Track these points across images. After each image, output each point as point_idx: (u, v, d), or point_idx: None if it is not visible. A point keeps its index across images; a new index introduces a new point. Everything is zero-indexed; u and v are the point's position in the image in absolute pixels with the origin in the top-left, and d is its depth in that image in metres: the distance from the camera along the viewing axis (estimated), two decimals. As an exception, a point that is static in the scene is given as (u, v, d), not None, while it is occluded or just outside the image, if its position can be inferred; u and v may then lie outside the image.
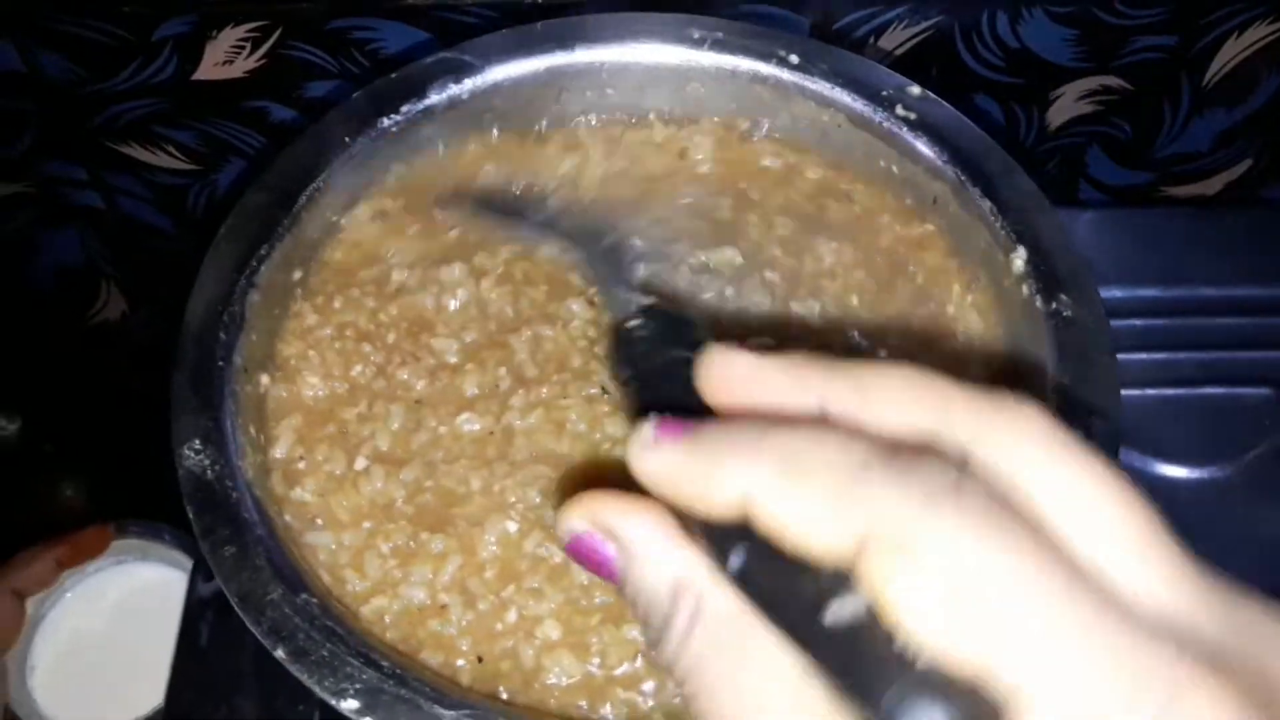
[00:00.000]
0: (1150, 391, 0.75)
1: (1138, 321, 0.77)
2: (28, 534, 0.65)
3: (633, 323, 0.35)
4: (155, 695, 0.57)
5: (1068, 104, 0.84)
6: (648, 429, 0.27)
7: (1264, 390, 0.74)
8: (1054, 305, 0.48)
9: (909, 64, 0.77)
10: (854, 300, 0.52)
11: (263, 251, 0.50)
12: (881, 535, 0.22)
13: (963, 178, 0.52)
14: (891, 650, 0.21)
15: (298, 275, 0.52)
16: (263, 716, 0.61)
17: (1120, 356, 0.76)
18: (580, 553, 0.29)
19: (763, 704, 0.24)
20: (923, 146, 0.54)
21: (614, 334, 0.36)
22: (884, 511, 0.22)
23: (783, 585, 0.23)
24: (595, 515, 0.28)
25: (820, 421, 0.26)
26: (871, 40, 0.75)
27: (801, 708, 0.23)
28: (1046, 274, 0.49)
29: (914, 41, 0.75)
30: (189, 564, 0.60)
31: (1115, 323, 0.76)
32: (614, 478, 0.31)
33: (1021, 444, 0.23)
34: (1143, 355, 0.76)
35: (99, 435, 0.83)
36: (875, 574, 0.22)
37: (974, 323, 0.52)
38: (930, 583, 0.21)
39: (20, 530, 0.68)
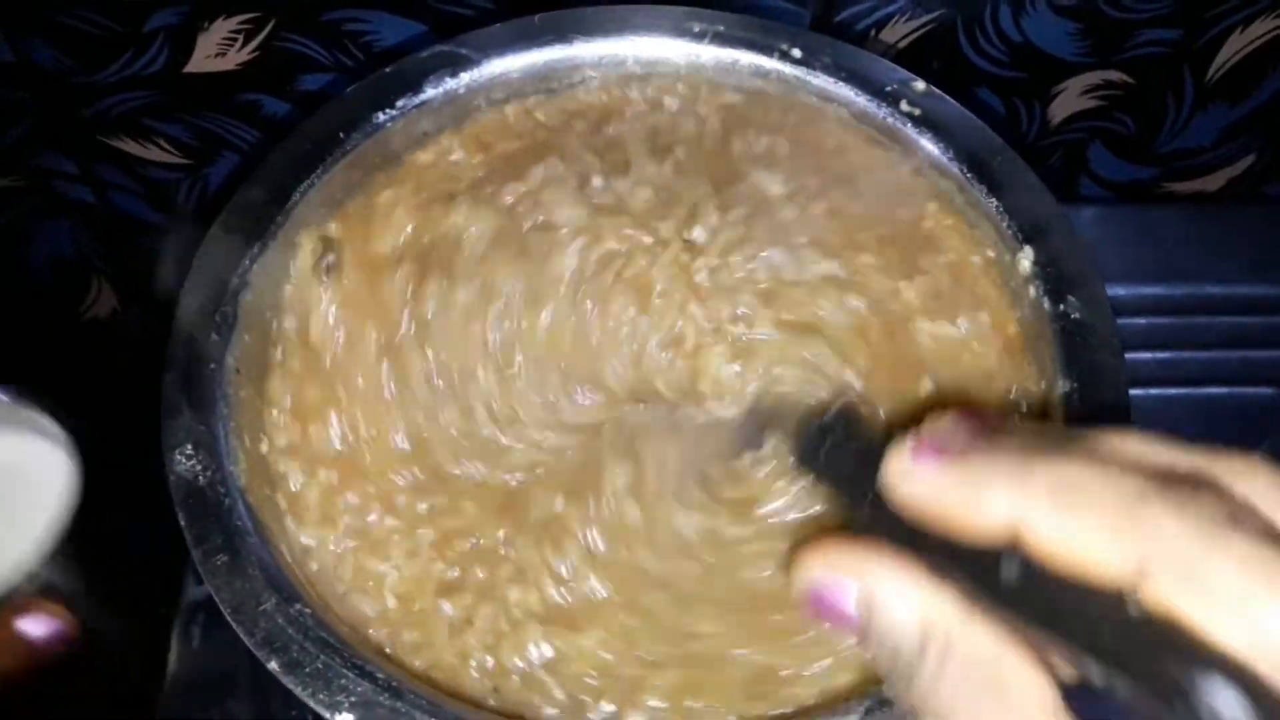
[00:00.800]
0: (1153, 391, 0.74)
1: (1139, 319, 0.76)
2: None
3: (825, 418, 0.37)
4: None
5: (1070, 98, 0.83)
6: (905, 454, 0.28)
7: (1267, 390, 0.74)
8: (1061, 307, 0.47)
9: (911, 57, 0.76)
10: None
11: (255, 250, 0.49)
12: (1167, 562, 0.23)
13: (969, 176, 0.51)
14: (1181, 668, 0.22)
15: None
16: (256, 716, 0.61)
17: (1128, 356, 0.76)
18: (821, 603, 0.30)
19: None
20: (928, 143, 0.53)
21: (802, 429, 0.39)
22: (1167, 539, 0.23)
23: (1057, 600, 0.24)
24: (834, 561, 0.29)
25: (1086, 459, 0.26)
26: (873, 33, 0.74)
27: None
28: (1054, 275, 0.48)
29: (916, 34, 0.75)
30: (58, 433, 0.57)
31: (1117, 321, 0.76)
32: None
33: (1268, 485, 0.25)
34: (1145, 354, 0.76)
35: (91, 431, 0.82)
36: (1166, 598, 0.23)
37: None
38: (1228, 610, 0.22)
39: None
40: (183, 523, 0.42)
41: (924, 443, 0.28)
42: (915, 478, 0.28)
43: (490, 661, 0.42)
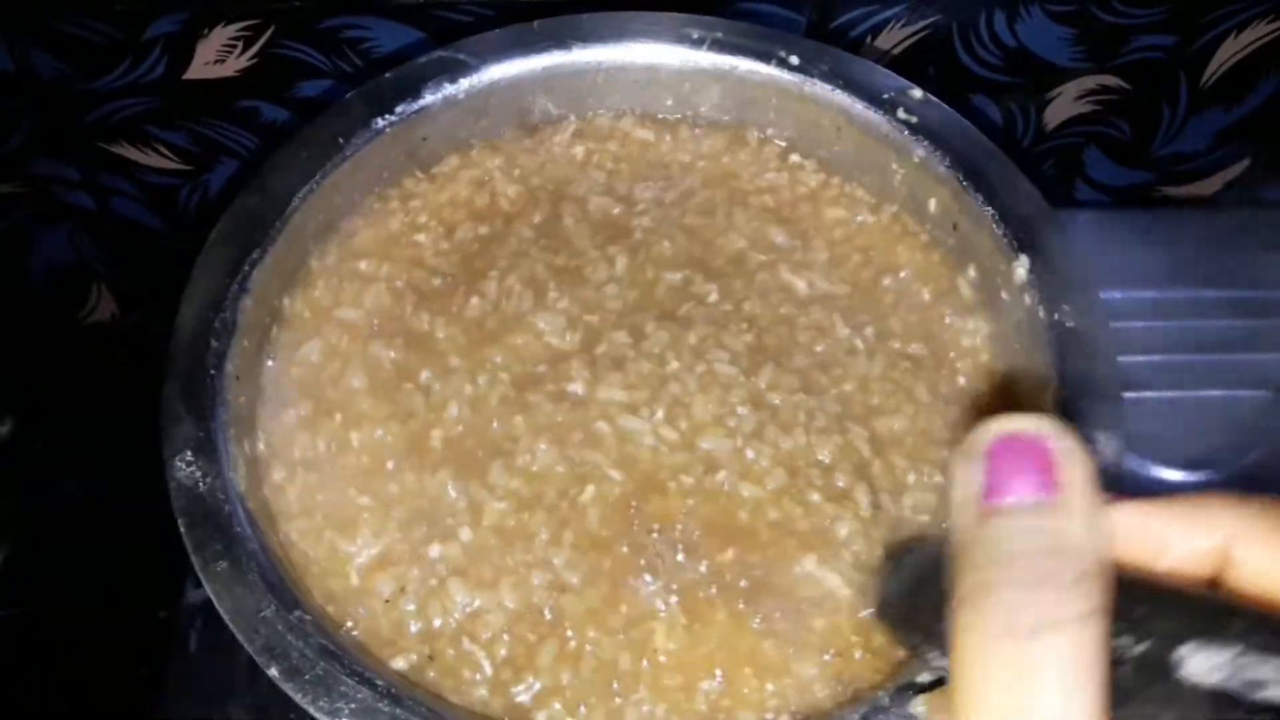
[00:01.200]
0: (1149, 394, 0.75)
1: (1136, 324, 0.77)
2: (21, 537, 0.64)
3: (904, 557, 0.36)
4: None
5: (1066, 104, 0.83)
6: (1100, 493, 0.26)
7: (1263, 393, 0.74)
8: (1056, 315, 0.47)
9: (906, 63, 0.76)
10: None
11: (254, 256, 0.49)
12: None
13: (964, 183, 0.52)
14: None
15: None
16: (255, 716, 0.61)
17: (1118, 360, 0.76)
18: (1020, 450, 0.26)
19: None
20: (923, 151, 0.53)
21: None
22: None
23: None
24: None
25: None
26: (869, 40, 0.74)
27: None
28: (1049, 283, 0.48)
29: (911, 41, 0.75)
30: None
31: (1113, 325, 0.76)
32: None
33: None
34: (1140, 358, 0.76)
35: (91, 436, 0.82)
36: None
37: (974, 330, 0.52)
38: None
39: (13, 533, 0.67)
40: (183, 529, 0.42)
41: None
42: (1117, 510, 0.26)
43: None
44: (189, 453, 0.44)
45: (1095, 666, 0.23)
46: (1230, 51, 0.81)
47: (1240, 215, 0.86)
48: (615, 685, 0.42)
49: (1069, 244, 0.50)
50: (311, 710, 0.38)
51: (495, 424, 0.48)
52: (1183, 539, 0.26)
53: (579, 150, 0.58)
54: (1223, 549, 0.25)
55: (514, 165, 0.57)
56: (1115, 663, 0.24)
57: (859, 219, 0.56)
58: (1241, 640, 0.23)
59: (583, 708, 0.42)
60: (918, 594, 0.33)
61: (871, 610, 0.41)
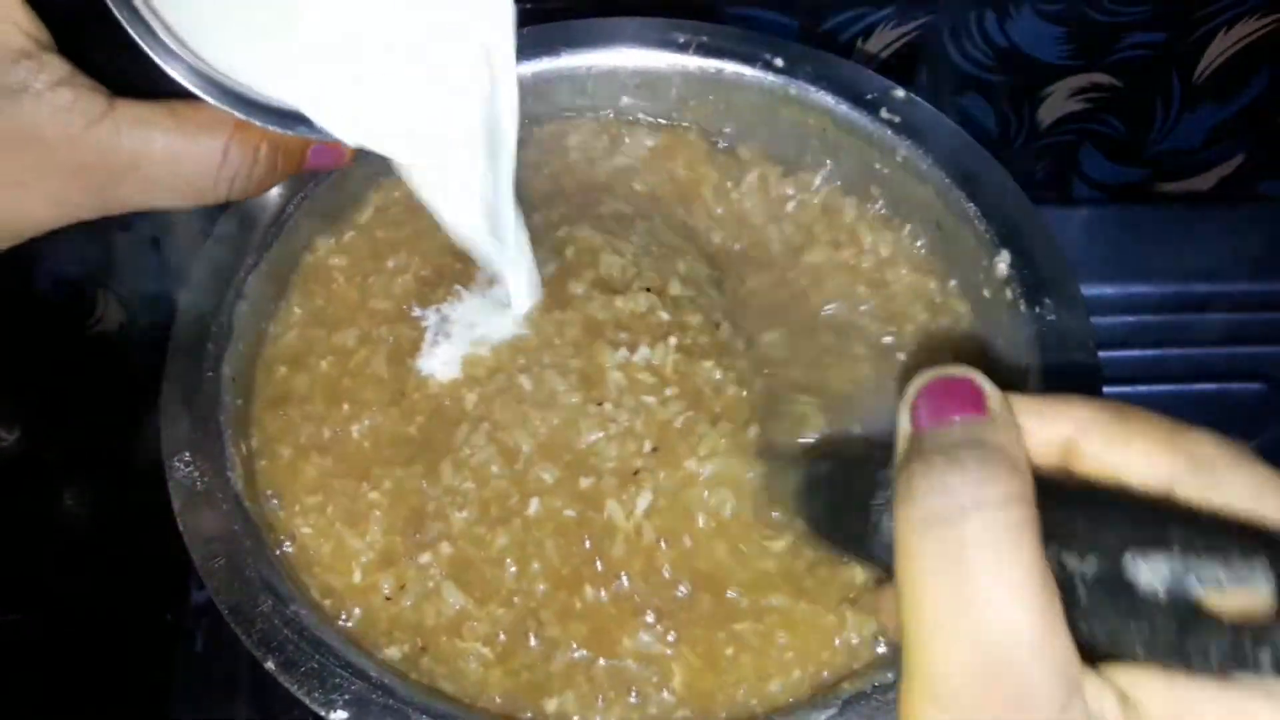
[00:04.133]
0: (1143, 388, 0.75)
1: (1130, 318, 0.77)
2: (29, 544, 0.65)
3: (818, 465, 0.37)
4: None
5: (1058, 101, 0.84)
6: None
7: (1256, 385, 0.75)
8: (1038, 309, 0.48)
9: (898, 65, 0.77)
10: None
11: (251, 261, 0.51)
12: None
13: (947, 181, 0.52)
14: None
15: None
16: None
17: (1113, 353, 0.76)
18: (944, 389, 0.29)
19: (1029, 604, 0.24)
20: (906, 150, 0.54)
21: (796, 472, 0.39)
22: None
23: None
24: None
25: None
26: (860, 42, 0.75)
27: (1057, 631, 0.25)
28: (1030, 277, 0.49)
29: (902, 42, 0.76)
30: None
31: (1108, 320, 0.76)
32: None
33: None
34: (1135, 352, 0.76)
35: (99, 443, 0.83)
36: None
37: (955, 324, 0.52)
38: None
39: (20, 540, 0.68)
40: (181, 527, 0.43)
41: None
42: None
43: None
44: (187, 453, 0.45)
45: (1026, 549, 0.25)
46: (1221, 47, 0.81)
47: (1234, 210, 0.86)
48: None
49: (1051, 239, 0.50)
50: (307, 701, 0.39)
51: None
52: (1038, 428, 0.28)
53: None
54: (1071, 440, 0.28)
55: None
56: (1070, 583, 0.25)
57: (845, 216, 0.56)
58: (1179, 544, 0.24)
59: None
60: (837, 502, 0.35)
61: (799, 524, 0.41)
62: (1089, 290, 0.75)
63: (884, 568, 0.29)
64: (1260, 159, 0.91)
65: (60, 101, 0.36)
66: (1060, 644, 0.24)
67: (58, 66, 0.36)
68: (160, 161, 0.38)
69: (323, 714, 0.39)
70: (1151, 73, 0.82)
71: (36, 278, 0.84)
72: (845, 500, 0.34)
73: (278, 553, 0.45)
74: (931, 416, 0.28)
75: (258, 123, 0.38)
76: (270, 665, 0.40)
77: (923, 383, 0.29)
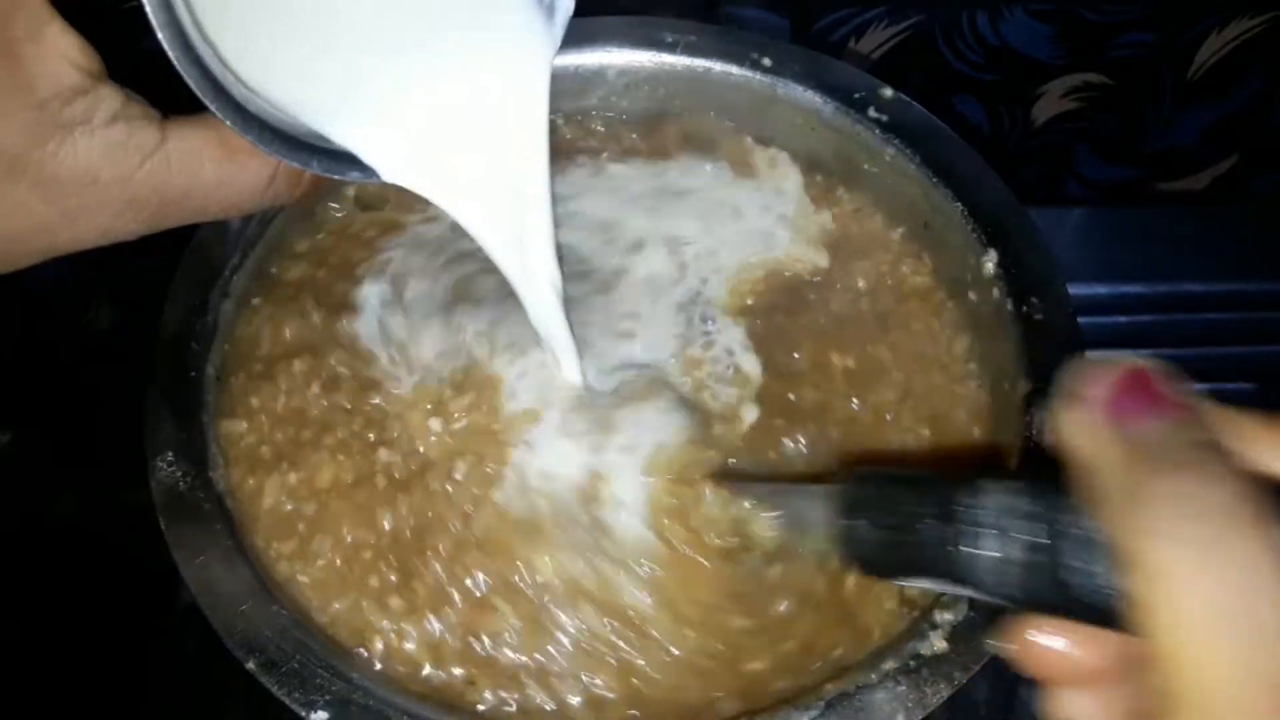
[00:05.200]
0: (1135, 388, 0.75)
1: (1122, 318, 0.77)
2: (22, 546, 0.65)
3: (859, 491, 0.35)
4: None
5: (1052, 101, 0.84)
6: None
7: (1248, 385, 0.74)
8: (1024, 309, 0.48)
9: (890, 65, 0.77)
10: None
11: (236, 261, 0.50)
12: None
13: (934, 180, 0.52)
14: None
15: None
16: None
17: (1105, 354, 0.76)
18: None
19: None
20: (894, 150, 0.54)
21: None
22: None
23: None
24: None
25: None
26: (852, 42, 0.75)
27: None
28: (1016, 277, 0.49)
29: (894, 41, 0.75)
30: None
31: (1100, 320, 0.76)
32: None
33: None
34: (1128, 352, 0.76)
35: (91, 444, 0.83)
36: None
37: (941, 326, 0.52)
38: None
39: (14, 541, 0.68)
40: (164, 527, 0.43)
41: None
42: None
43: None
44: (170, 453, 0.45)
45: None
46: (1214, 47, 0.81)
47: (1226, 209, 0.86)
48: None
49: (1038, 238, 0.50)
50: (287, 701, 0.39)
51: None
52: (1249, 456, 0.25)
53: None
54: None
55: None
56: None
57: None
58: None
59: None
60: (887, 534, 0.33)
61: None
62: (1082, 290, 0.75)
63: (972, 588, 0.29)
64: (1253, 158, 0.91)
65: (114, 138, 0.36)
66: None
67: (111, 99, 0.36)
68: (210, 189, 0.38)
69: (303, 714, 0.39)
70: (1144, 72, 0.82)
71: (28, 277, 0.84)
72: (898, 526, 0.33)
73: (259, 552, 0.44)
74: (1138, 413, 0.25)
75: (309, 168, 0.39)
76: (251, 666, 0.40)
77: (1111, 374, 0.26)
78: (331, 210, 0.55)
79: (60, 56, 0.35)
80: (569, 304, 0.46)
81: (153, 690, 0.67)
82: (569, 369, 0.47)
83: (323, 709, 0.39)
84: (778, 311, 0.52)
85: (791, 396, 0.50)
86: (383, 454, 0.47)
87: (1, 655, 0.69)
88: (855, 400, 0.50)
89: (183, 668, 0.67)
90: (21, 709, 0.68)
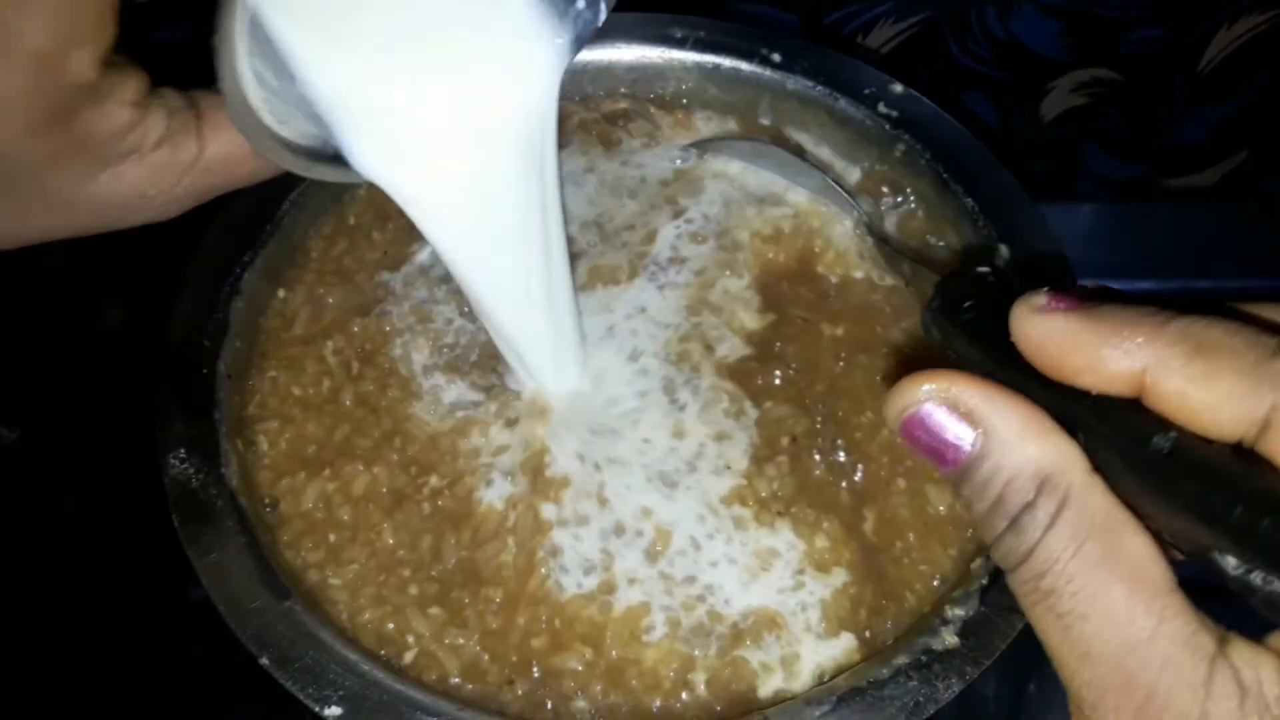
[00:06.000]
0: (1144, 384, 0.75)
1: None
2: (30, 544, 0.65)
3: (981, 269, 0.35)
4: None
5: (1061, 97, 0.84)
6: (1040, 295, 0.28)
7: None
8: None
9: (898, 60, 0.77)
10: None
11: (246, 258, 0.51)
12: None
13: (945, 175, 0.52)
14: None
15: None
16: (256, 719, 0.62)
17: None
18: (923, 429, 0.29)
19: (1131, 616, 0.25)
20: (904, 145, 0.54)
21: (953, 279, 0.36)
22: None
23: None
24: (954, 391, 0.28)
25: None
26: (860, 37, 0.75)
27: (1168, 628, 0.25)
28: (1027, 272, 0.49)
29: (903, 37, 0.75)
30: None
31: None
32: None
33: None
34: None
35: (98, 443, 0.83)
36: None
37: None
38: None
39: (21, 539, 0.68)
40: (177, 523, 0.43)
41: (1059, 293, 0.28)
42: (1049, 320, 0.27)
43: None
44: (182, 450, 0.45)
45: (1103, 549, 0.26)
46: (1224, 43, 0.81)
47: (1236, 207, 0.86)
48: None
49: (1048, 233, 0.50)
50: (301, 697, 0.39)
51: None
52: (1106, 360, 0.26)
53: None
54: (1144, 374, 0.26)
55: None
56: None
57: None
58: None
59: None
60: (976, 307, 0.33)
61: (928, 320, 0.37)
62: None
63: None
64: (1263, 154, 0.90)
65: (160, 160, 0.37)
66: (1174, 626, 0.25)
67: (157, 123, 0.36)
68: (243, 180, 0.40)
69: (317, 710, 0.39)
70: (1154, 68, 0.82)
71: (36, 276, 0.84)
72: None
73: (272, 548, 0.44)
74: (929, 453, 0.28)
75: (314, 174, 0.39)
76: (265, 661, 0.40)
77: (904, 411, 0.29)
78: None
79: (116, 101, 0.35)
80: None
81: (160, 689, 0.67)
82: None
83: (336, 704, 0.39)
84: (785, 281, 0.53)
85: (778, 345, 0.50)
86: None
87: (9, 654, 0.69)
88: (843, 361, 0.50)
89: (191, 667, 0.67)
90: (29, 707, 0.68)
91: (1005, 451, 0.27)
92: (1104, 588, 0.25)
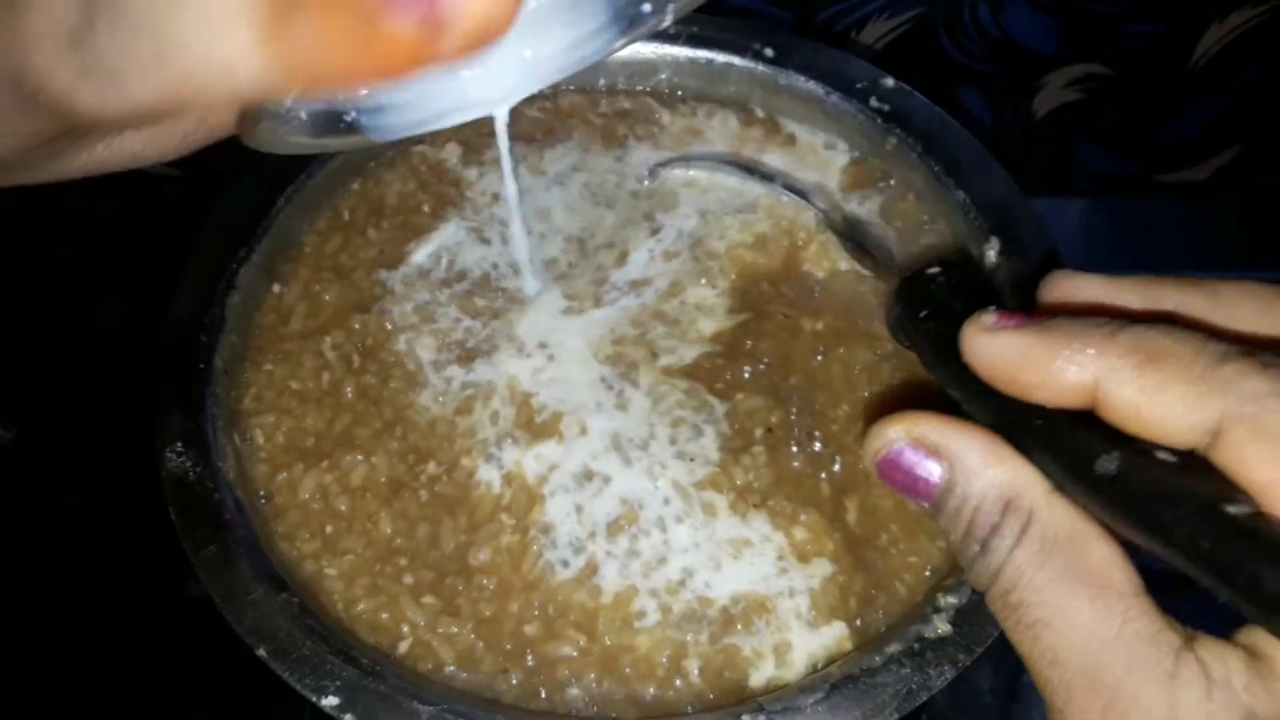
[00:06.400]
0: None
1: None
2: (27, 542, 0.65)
3: (931, 270, 0.37)
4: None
5: (1054, 92, 0.84)
6: (987, 315, 0.29)
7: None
8: (1025, 297, 0.48)
9: (891, 56, 0.77)
10: None
11: (242, 254, 0.51)
12: (1245, 420, 0.24)
13: (936, 169, 0.52)
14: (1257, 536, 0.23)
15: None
16: (254, 714, 0.62)
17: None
18: (898, 469, 0.31)
19: (1094, 620, 0.26)
20: (896, 139, 0.54)
21: (908, 283, 0.38)
22: (1246, 395, 0.24)
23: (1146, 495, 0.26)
24: (919, 431, 0.30)
25: (1167, 322, 0.27)
26: (853, 34, 0.75)
27: (1132, 628, 0.25)
28: (1019, 265, 0.49)
29: (896, 33, 0.76)
30: None
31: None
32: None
33: None
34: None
35: (97, 442, 0.83)
36: (1238, 451, 0.24)
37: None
38: None
39: (19, 537, 0.68)
40: (173, 516, 0.43)
41: (1006, 311, 0.29)
42: (998, 337, 0.28)
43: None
44: (179, 443, 0.45)
45: (1060, 562, 0.28)
46: (1216, 37, 0.81)
47: (1229, 201, 0.86)
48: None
49: (1040, 227, 0.50)
50: (298, 688, 0.39)
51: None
52: (1058, 374, 0.27)
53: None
54: (1093, 387, 0.27)
55: None
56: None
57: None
58: None
59: None
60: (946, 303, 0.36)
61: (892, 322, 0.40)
62: (1084, 280, 0.75)
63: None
64: (1256, 149, 0.91)
65: (159, 128, 0.35)
66: (1138, 626, 0.25)
67: None
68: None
69: (314, 700, 0.39)
70: (1147, 63, 0.82)
71: (33, 275, 0.84)
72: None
73: (269, 541, 0.45)
74: (905, 491, 0.30)
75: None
76: (262, 653, 0.40)
77: (877, 455, 0.31)
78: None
79: None
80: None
81: (158, 686, 0.68)
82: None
83: (333, 694, 0.39)
84: (766, 281, 0.53)
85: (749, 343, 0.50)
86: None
87: (7, 651, 0.69)
88: (821, 355, 0.50)
89: (189, 664, 0.67)
90: (27, 705, 0.68)
91: (970, 480, 0.29)
92: (1068, 596, 0.26)
